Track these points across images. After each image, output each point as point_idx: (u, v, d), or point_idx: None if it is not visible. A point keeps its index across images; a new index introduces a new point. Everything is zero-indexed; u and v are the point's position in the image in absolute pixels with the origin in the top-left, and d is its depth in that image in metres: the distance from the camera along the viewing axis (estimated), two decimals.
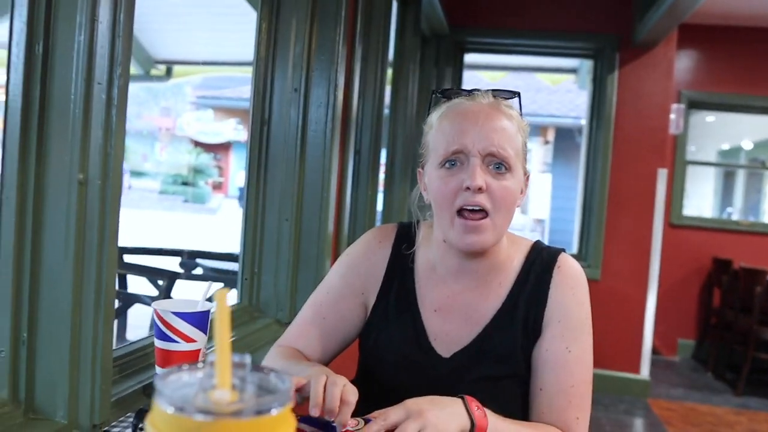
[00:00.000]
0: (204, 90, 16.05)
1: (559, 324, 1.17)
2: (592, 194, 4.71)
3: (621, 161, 4.59)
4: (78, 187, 0.94)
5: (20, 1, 0.92)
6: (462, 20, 4.56)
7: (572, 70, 6.70)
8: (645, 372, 4.61)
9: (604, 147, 4.59)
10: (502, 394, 1.17)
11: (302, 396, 0.97)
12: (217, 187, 22.80)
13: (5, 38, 0.94)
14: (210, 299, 1.20)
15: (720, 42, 5.75)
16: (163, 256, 2.56)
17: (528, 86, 11.99)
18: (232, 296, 1.98)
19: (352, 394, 0.96)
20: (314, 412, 0.93)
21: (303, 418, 0.96)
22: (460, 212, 1.10)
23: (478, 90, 1.16)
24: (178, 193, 21.59)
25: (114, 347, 1.24)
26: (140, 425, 1.03)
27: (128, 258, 2.65)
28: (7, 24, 0.93)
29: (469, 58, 5.14)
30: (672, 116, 4.64)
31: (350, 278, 1.27)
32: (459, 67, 4.90)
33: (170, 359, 1.11)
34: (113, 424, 1.05)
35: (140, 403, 1.14)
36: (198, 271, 3.01)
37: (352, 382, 1.31)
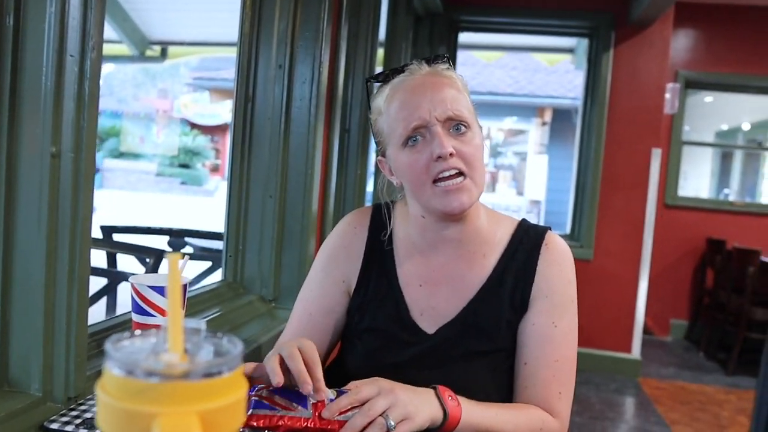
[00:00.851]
0: (200, 71, 15.95)
1: (546, 299, 1.18)
2: (586, 174, 4.71)
3: (615, 140, 4.59)
4: (50, 160, 0.94)
5: None
6: None
7: (569, 50, 6.66)
8: (636, 352, 4.64)
9: (598, 126, 4.59)
10: (488, 368, 1.18)
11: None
12: (215, 169, 22.76)
13: None
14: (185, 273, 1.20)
15: (718, 21, 5.72)
16: (152, 235, 2.56)
17: (525, 67, 11.95)
18: (217, 274, 1.98)
19: (312, 359, 0.96)
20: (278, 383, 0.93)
21: (276, 390, 0.97)
22: (437, 182, 1.11)
23: (410, 63, 1.17)
24: (175, 176, 21.56)
25: (98, 322, 1.24)
26: None
27: (118, 237, 2.66)
28: None
29: (464, 37, 5.11)
30: (667, 95, 4.62)
31: (330, 269, 1.27)
32: (453, 47, 4.87)
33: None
34: (89, 397, 1.05)
35: None
36: (188, 250, 3.02)
37: (334, 363, 1.32)
